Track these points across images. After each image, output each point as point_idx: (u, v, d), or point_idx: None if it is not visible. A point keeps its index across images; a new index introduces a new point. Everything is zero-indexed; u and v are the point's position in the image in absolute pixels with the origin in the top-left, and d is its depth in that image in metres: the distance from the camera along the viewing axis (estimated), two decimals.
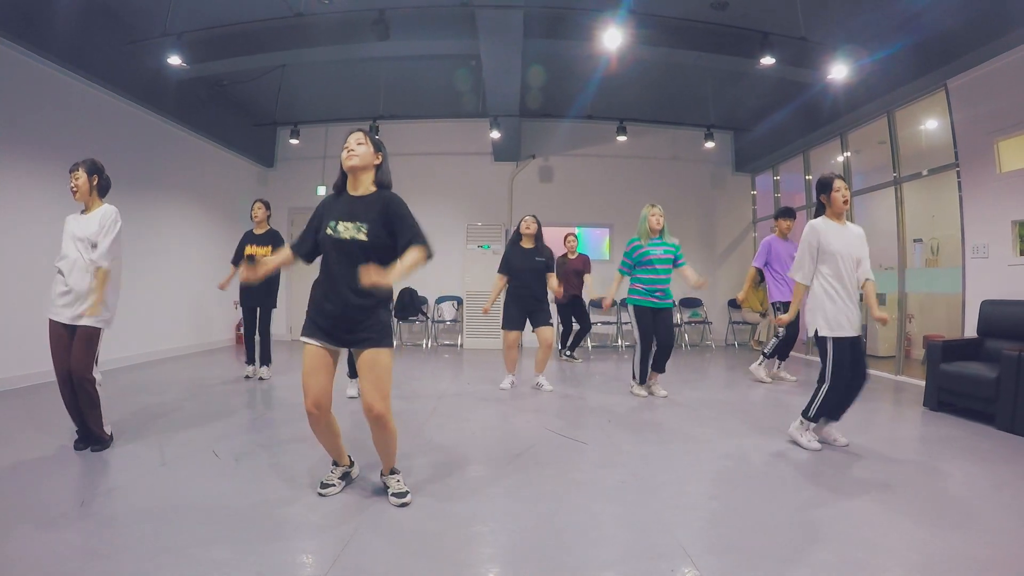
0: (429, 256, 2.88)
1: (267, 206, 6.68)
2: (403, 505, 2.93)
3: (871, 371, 7.29)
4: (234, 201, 10.34)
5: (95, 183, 3.94)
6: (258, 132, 10.79)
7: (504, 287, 6.18)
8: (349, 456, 3.28)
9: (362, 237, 2.84)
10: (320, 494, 3.05)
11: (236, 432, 4.35)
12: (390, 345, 2.95)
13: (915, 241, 7.59)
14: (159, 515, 2.77)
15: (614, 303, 6.11)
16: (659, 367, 5.92)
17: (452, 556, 2.44)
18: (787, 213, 6.85)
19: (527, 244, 6.08)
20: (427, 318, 10.84)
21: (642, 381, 5.94)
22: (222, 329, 10.15)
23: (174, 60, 6.70)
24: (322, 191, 10.77)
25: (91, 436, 3.87)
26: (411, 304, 10.65)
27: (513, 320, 6.07)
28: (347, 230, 2.85)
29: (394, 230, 2.89)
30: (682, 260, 5.81)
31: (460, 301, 10.81)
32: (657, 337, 5.77)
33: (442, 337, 11.01)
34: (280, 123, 10.72)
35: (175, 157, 8.74)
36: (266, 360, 6.74)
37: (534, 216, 6.22)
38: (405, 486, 3.05)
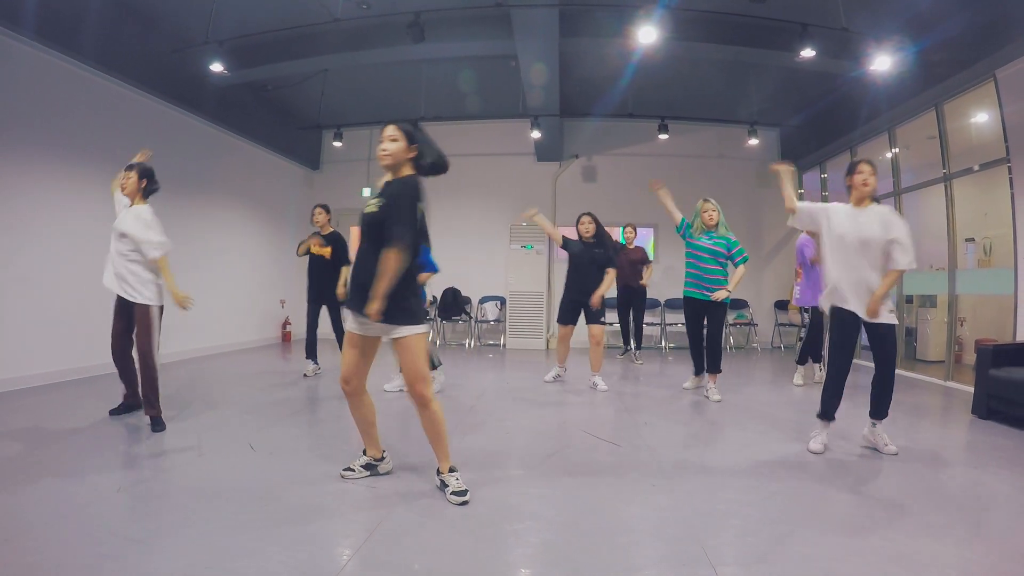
0: (410, 255, 2.89)
1: (327, 210, 6.83)
2: (463, 503, 2.94)
3: (918, 375, 7.19)
4: (282, 203, 10.63)
5: (143, 185, 4.48)
6: (303, 135, 11.04)
7: (553, 234, 6.16)
8: (384, 451, 3.39)
9: (372, 209, 2.94)
10: (341, 475, 3.27)
11: (275, 426, 4.49)
12: (419, 325, 3.00)
13: (967, 240, 7.35)
14: (192, 503, 2.90)
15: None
16: (710, 367, 5.85)
17: (477, 554, 2.47)
18: None
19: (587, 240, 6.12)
20: (470, 318, 10.92)
21: (696, 373, 6.14)
22: (269, 327, 10.40)
23: (216, 67, 6.93)
24: (367, 192, 10.99)
25: (134, 407, 4.61)
26: (454, 304, 10.74)
27: (565, 313, 6.18)
28: (371, 205, 2.96)
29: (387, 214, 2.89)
30: (740, 258, 5.73)
31: (503, 301, 10.87)
32: (706, 336, 5.87)
33: (485, 337, 11.10)
34: (324, 126, 10.92)
35: (224, 161, 9.03)
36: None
37: (591, 215, 6.18)
38: (464, 484, 3.05)
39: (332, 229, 6.76)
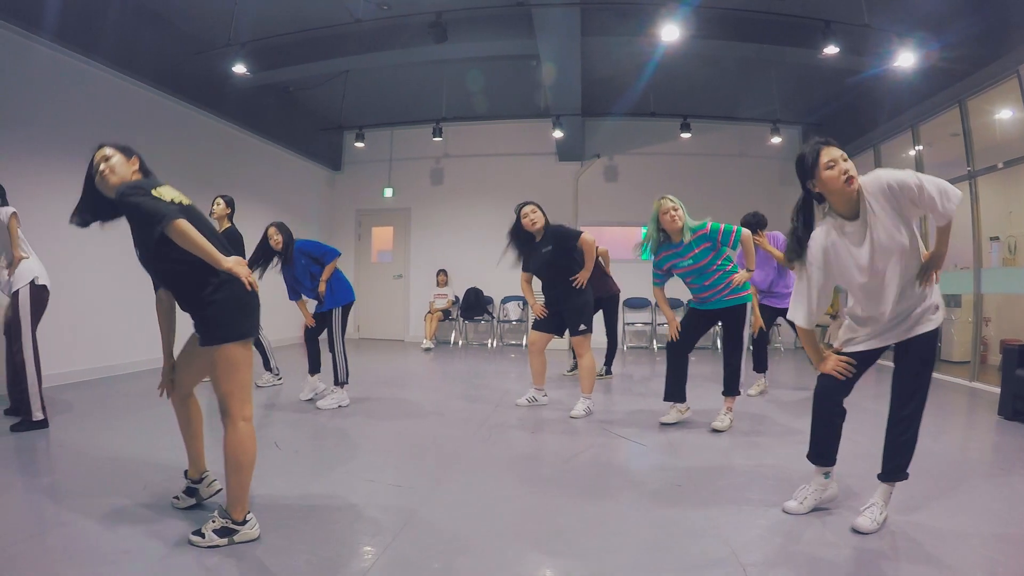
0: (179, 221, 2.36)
1: (228, 202, 6.06)
2: (190, 542, 2.44)
3: (942, 376, 7.09)
4: (304, 204, 10.72)
5: None
6: (325, 136, 11.14)
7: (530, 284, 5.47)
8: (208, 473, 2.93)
9: None
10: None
11: (299, 424, 4.55)
12: (220, 340, 2.52)
13: (992, 239, 7.26)
14: (216, 500, 2.92)
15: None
16: (727, 389, 4.66)
17: (499, 554, 2.50)
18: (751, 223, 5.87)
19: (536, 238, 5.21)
20: (493, 318, 11.01)
21: (671, 399, 4.69)
22: (291, 327, 10.46)
23: (239, 69, 7.02)
24: (388, 193, 11.12)
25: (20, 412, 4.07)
26: (477, 304, 10.84)
27: (540, 320, 5.35)
28: None
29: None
30: (733, 236, 4.34)
31: (525, 302, 10.87)
32: (721, 346, 5.02)
33: (507, 337, 11.18)
34: (346, 127, 11.01)
35: (245, 162, 9.15)
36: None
37: (535, 204, 5.30)
38: (213, 532, 2.45)
39: (230, 225, 6.04)
